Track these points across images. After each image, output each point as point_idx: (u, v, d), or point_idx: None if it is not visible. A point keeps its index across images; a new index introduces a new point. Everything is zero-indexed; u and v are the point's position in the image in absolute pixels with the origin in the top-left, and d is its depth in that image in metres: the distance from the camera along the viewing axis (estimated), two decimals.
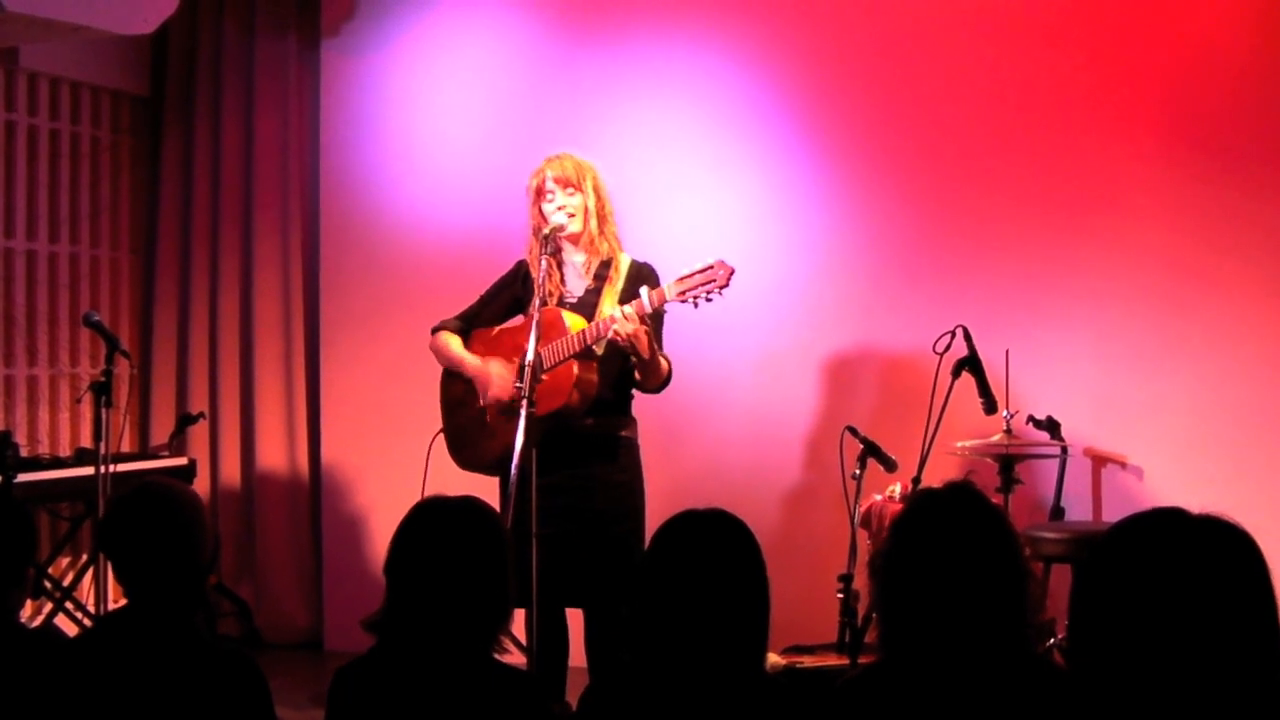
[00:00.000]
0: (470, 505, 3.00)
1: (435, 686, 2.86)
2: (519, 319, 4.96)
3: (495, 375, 4.79)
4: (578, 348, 4.58)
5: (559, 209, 4.74)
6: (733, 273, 4.49)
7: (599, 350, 4.66)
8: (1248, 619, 2.04)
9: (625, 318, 4.49)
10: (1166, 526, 2.12)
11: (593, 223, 4.78)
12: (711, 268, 4.50)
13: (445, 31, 6.82)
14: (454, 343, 4.96)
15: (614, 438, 4.76)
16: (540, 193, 4.79)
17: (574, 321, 4.64)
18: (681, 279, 4.53)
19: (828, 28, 6.23)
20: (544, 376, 4.50)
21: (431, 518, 2.98)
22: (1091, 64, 5.84)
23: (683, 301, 4.53)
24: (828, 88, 6.23)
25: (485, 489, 4.08)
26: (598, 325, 4.59)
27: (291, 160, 7.13)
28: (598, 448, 4.73)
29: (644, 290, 4.55)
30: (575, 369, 4.60)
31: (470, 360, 4.90)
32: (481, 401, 4.83)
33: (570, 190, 4.77)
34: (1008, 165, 5.95)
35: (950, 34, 6.03)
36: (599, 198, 4.81)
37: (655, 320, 4.70)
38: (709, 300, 4.53)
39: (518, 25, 6.71)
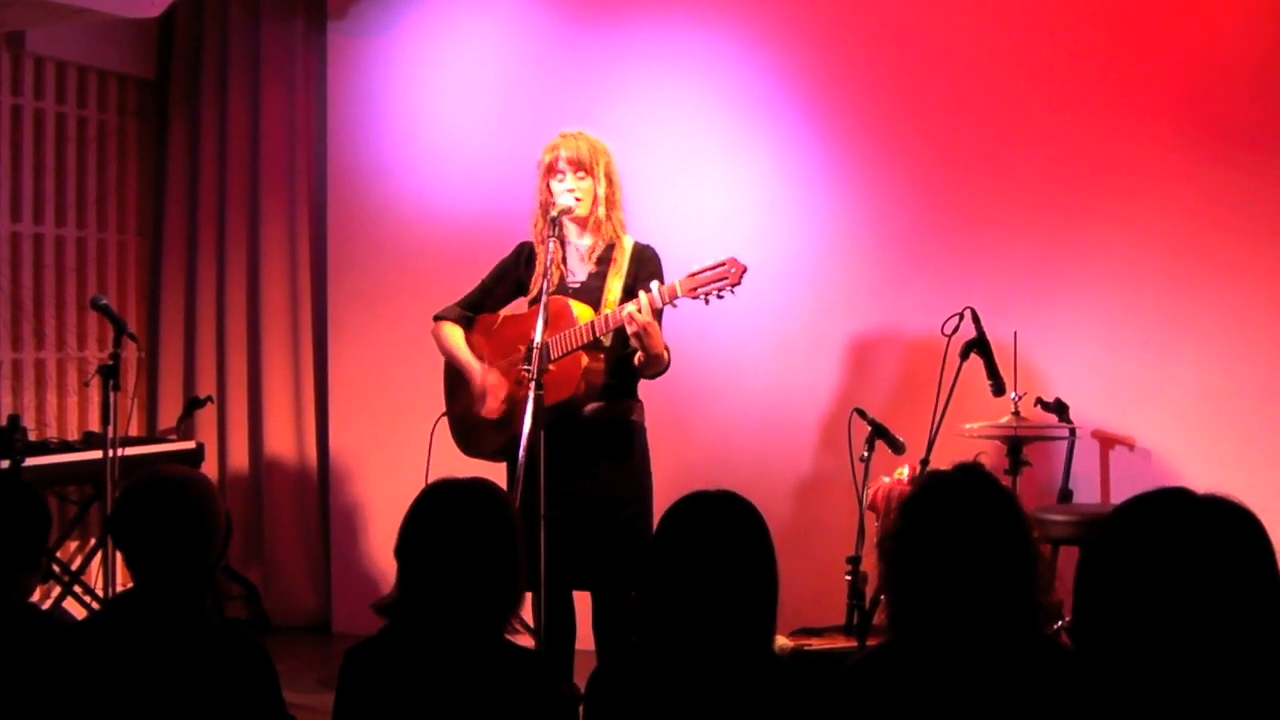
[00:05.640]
0: (480, 487, 3.01)
1: (447, 667, 2.87)
2: (521, 302, 4.94)
3: (491, 386, 4.78)
4: (587, 339, 4.56)
5: (568, 191, 4.72)
6: (745, 271, 4.45)
7: (606, 342, 4.64)
8: (1252, 598, 2.04)
9: (640, 311, 4.47)
10: (1171, 506, 2.13)
11: (600, 209, 4.74)
12: (724, 265, 4.47)
13: (452, 13, 6.81)
14: (455, 336, 4.92)
15: (621, 421, 4.75)
16: (551, 170, 4.75)
17: (582, 312, 4.61)
18: (693, 275, 4.50)
19: (836, 9, 6.21)
20: (551, 367, 4.49)
21: (441, 500, 2.98)
22: (1101, 47, 5.82)
23: (693, 298, 4.51)
24: (836, 70, 6.21)
25: (490, 474, 4.08)
26: (607, 318, 4.57)
27: (298, 143, 7.13)
28: (605, 432, 4.72)
29: (654, 285, 4.52)
30: (584, 360, 4.59)
31: (469, 363, 4.86)
32: (476, 408, 4.82)
33: (581, 174, 4.73)
34: (1016, 147, 5.93)
35: (959, 17, 6.01)
36: (610, 183, 4.76)
37: (657, 312, 4.64)
38: (720, 298, 4.50)
39: (525, 7, 6.69)
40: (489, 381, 4.78)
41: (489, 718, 2.86)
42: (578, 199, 4.71)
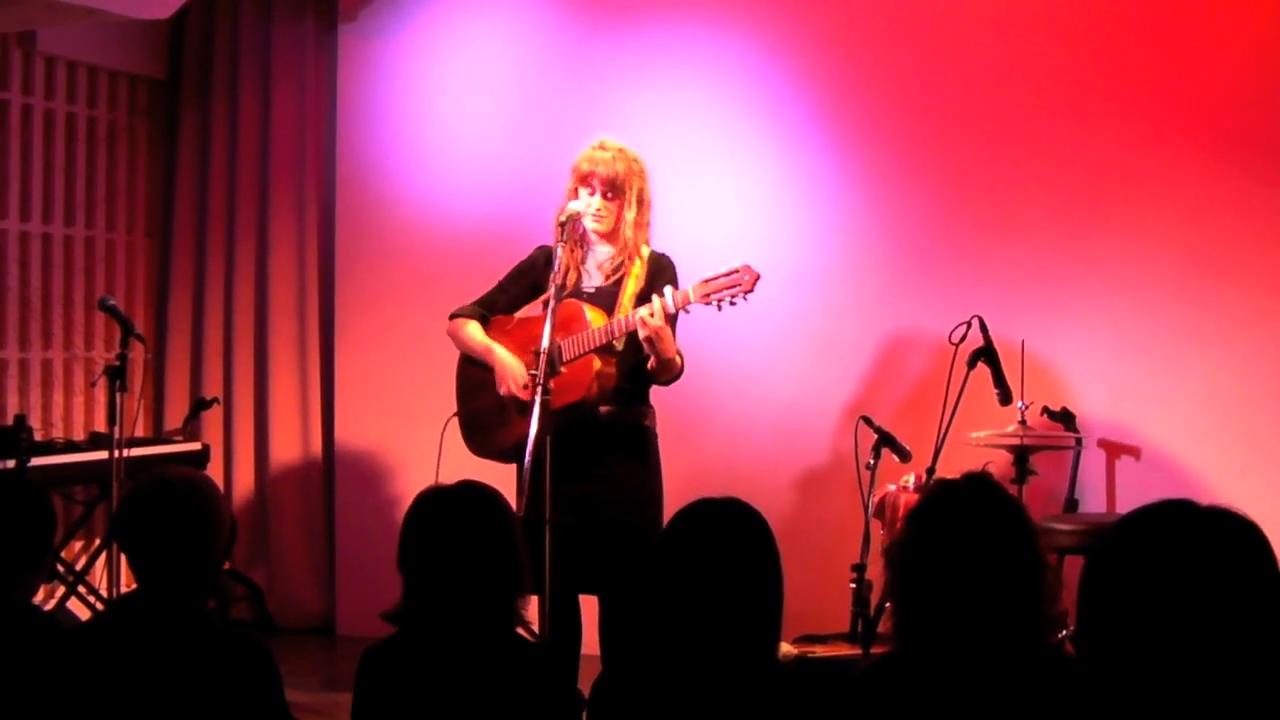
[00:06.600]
0: (469, 489, 3.05)
1: (462, 665, 2.90)
2: (538, 304, 4.92)
3: (513, 369, 4.75)
4: (599, 342, 4.55)
5: (594, 211, 4.68)
6: (758, 279, 4.45)
7: (619, 346, 4.63)
8: (1255, 610, 2.03)
9: (652, 315, 4.46)
10: (1174, 518, 2.12)
11: (627, 230, 4.70)
12: (737, 272, 4.47)
13: (462, 16, 6.81)
14: (473, 330, 4.88)
15: (634, 426, 4.73)
16: (585, 180, 4.69)
17: (594, 316, 4.60)
18: (706, 281, 4.50)
19: (845, 16, 6.21)
20: (563, 369, 4.48)
21: (433, 507, 3.03)
22: (1111, 57, 5.82)
23: (706, 304, 4.51)
24: (845, 77, 6.21)
25: (500, 474, 4.08)
26: (619, 322, 4.56)
27: (308, 144, 7.14)
28: (617, 437, 4.70)
29: (668, 290, 4.51)
30: (595, 363, 4.58)
31: (489, 346, 4.80)
32: (501, 390, 4.80)
33: (611, 196, 4.69)
34: (1024, 155, 5.93)
35: (967, 24, 6.01)
36: (639, 206, 4.71)
37: (670, 318, 4.61)
38: (733, 304, 4.50)
39: (535, 11, 6.70)
40: (510, 363, 4.75)
41: (503, 712, 2.89)
42: (599, 218, 4.68)
